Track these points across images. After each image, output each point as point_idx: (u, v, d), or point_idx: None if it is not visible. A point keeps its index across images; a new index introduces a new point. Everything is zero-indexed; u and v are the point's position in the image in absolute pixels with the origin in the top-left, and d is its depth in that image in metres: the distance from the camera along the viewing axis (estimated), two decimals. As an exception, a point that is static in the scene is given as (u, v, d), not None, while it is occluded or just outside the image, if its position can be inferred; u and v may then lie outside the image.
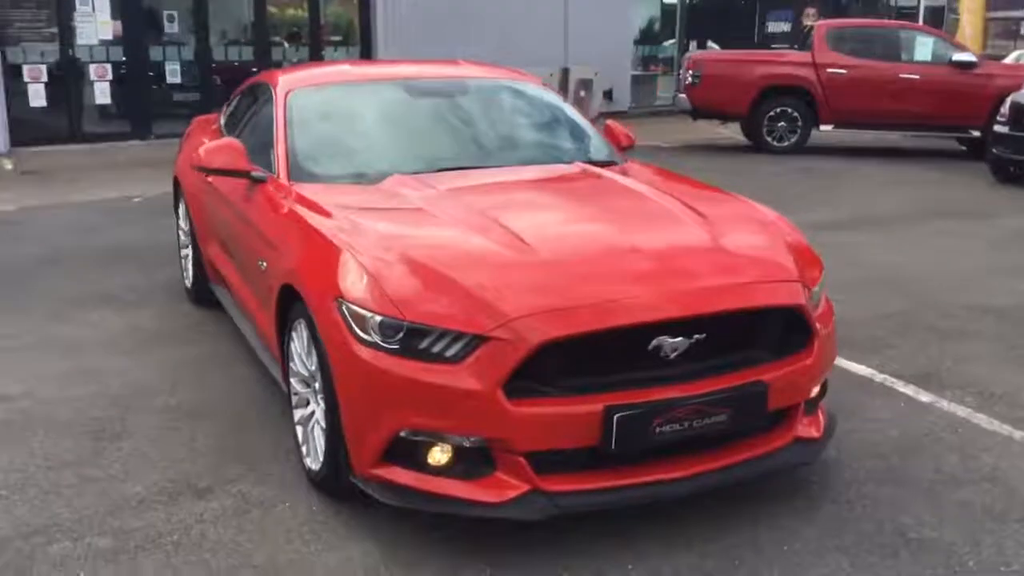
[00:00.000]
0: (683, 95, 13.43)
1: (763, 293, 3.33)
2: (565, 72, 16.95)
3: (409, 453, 3.07)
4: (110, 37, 13.40)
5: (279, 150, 4.31)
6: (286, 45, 15.13)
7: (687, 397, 3.06)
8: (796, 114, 12.93)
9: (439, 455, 3.06)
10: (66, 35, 13.10)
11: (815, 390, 3.53)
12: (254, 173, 4.29)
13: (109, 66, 13.34)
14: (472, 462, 3.05)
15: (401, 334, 3.01)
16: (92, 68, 13.25)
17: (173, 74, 13.89)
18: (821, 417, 3.59)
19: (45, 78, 12.91)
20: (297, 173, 4.20)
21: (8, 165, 11.93)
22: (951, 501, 3.52)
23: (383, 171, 4.16)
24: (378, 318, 3.05)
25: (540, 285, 3.11)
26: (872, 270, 6.79)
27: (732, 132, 14.43)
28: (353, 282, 3.19)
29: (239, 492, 3.58)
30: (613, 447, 3.00)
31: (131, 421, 4.20)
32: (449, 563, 3.10)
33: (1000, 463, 3.81)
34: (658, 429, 3.04)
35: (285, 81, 4.77)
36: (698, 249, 3.48)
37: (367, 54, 15.32)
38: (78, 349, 5.13)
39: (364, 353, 3.06)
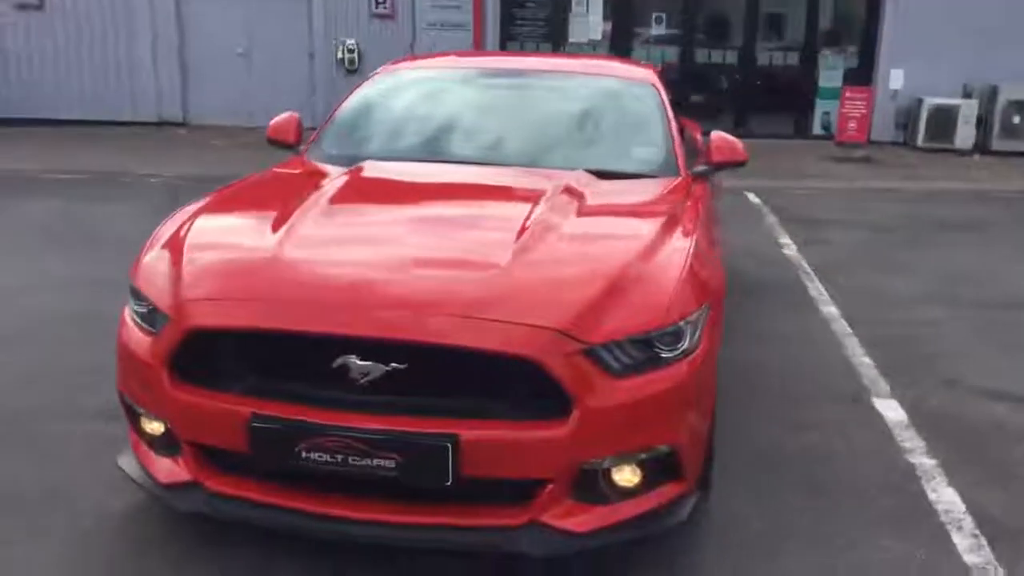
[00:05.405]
0: None
1: (483, 334, 2.62)
2: (993, 90, 13.46)
3: (131, 419, 3.11)
4: (598, 37, 14.25)
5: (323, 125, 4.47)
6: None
7: (335, 427, 2.61)
8: None
9: (152, 425, 3.03)
10: (558, 34, 14.22)
11: (621, 474, 2.74)
12: (300, 147, 4.50)
13: (588, 64, 14.20)
14: (169, 440, 2.96)
15: (146, 304, 3.04)
16: (579, 65, 14.23)
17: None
18: (611, 513, 2.73)
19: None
20: (315, 149, 4.33)
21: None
22: None
23: (374, 154, 4.11)
24: (130, 284, 3.14)
25: (249, 278, 2.92)
26: None
27: None
28: (140, 254, 3.31)
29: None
30: (251, 456, 2.72)
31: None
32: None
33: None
34: (304, 454, 2.65)
35: (387, 66, 4.88)
36: (470, 279, 2.87)
37: (868, 59, 14.02)
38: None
39: (122, 317, 3.17)
